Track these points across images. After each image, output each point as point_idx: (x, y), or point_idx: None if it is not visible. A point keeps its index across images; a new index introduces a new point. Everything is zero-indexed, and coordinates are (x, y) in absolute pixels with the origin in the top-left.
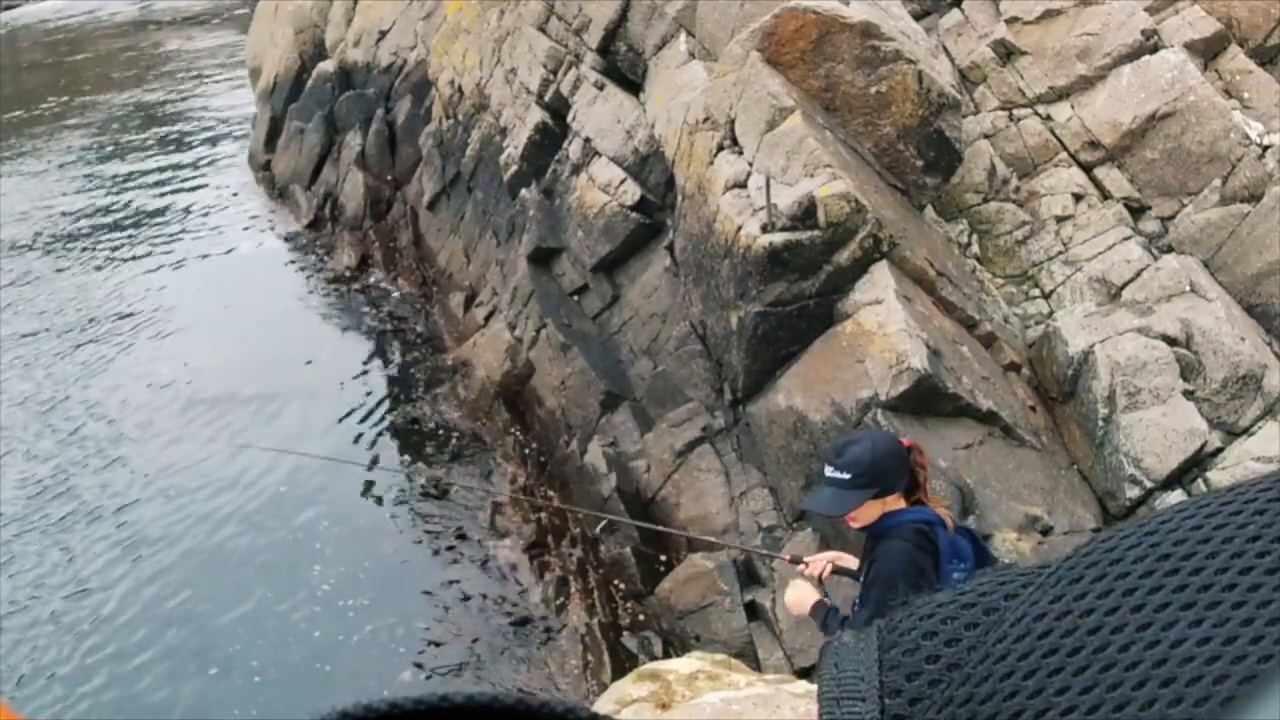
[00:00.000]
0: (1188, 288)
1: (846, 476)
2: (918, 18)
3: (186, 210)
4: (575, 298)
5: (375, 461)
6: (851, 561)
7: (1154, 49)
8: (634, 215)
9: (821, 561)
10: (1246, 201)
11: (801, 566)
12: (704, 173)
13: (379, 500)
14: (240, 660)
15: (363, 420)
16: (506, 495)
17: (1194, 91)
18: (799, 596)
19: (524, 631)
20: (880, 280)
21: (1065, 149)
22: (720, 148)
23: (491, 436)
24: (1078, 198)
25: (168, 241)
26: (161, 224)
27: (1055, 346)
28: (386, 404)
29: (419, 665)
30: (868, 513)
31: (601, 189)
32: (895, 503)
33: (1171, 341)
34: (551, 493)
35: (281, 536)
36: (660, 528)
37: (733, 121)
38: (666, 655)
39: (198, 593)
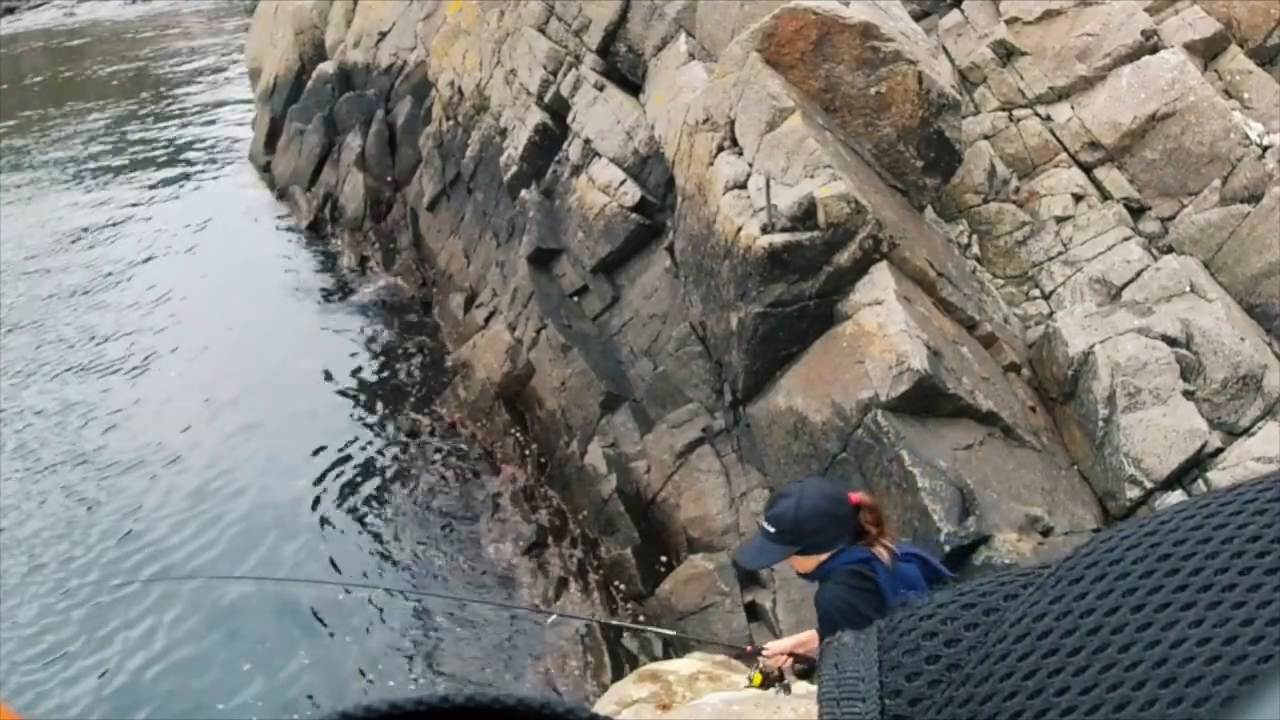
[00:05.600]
0: (1188, 288)
1: (772, 530)
2: (918, 18)
3: (186, 212)
4: (575, 299)
5: (374, 461)
6: (812, 642)
7: (1154, 49)
8: (634, 216)
9: (782, 656)
10: (1246, 202)
11: (765, 653)
12: (704, 173)
13: (378, 500)
14: (236, 660)
15: (362, 421)
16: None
17: (1194, 92)
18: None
19: (524, 632)
20: (880, 281)
21: (1065, 149)
22: (720, 148)
23: (492, 438)
24: (1078, 198)
25: (167, 244)
26: (161, 225)
27: (1055, 347)
28: (386, 405)
29: (419, 666)
30: (803, 564)
31: (601, 190)
32: (834, 553)
33: (1172, 342)
34: (552, 493)
35: (280, 535)
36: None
37: (733, 122)
38: (667, 656)
39: (195, 587)
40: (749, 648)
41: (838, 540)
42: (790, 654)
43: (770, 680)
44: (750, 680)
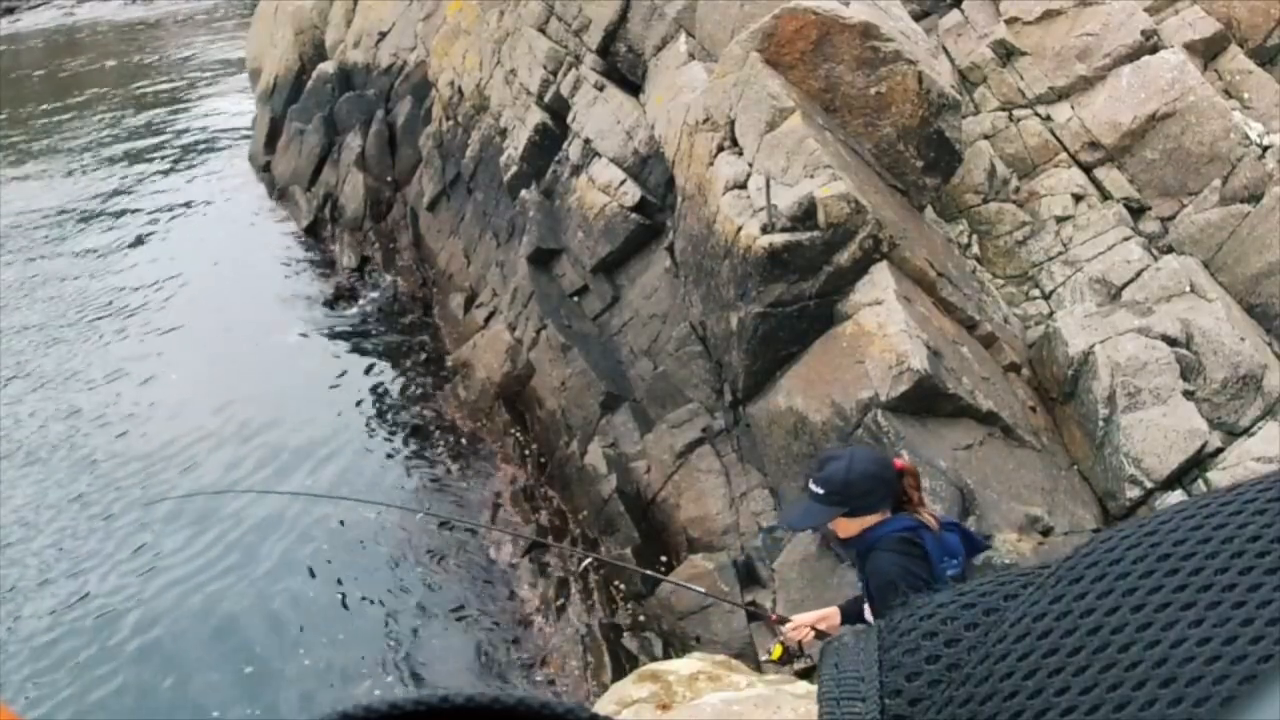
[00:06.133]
0: (1188, 288)
1: (820, 492)
2: (918, 18)
3: (186, 212)
4: (575, 299)
5: (373, 462)
6: (834, 619)
7: (1154, 49)
8: (634, 216)
9: (804, 628)
10: (1246, 201)
11: (786, 629)
12: (704, 173)
13: (378, 501)
14: (234, 662)
15: (361, 422)
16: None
17: (1194, 92)
18: None
19: (524, 633)
20: (880, 281)
21: (1065, 149)
22: (720, 148)
23: (492, 438)
24: (1078, 198)
25: (166, 244)
26: (161, 226)
27: (1055, 347)
28: (386, 405)
29: (418, 666)
30: (847, 527)
31: (601, 190)
32: (878, 519)
33: (1172, 342)
34: (552, 493)
35: (279, 536)
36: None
37: (733, 122)
38: (667, 656)
39: (193, 591)
40: (773, 615)
41: (883, 504)
42: (812, 628)
43: (790, 653)
44: (770, 652)
